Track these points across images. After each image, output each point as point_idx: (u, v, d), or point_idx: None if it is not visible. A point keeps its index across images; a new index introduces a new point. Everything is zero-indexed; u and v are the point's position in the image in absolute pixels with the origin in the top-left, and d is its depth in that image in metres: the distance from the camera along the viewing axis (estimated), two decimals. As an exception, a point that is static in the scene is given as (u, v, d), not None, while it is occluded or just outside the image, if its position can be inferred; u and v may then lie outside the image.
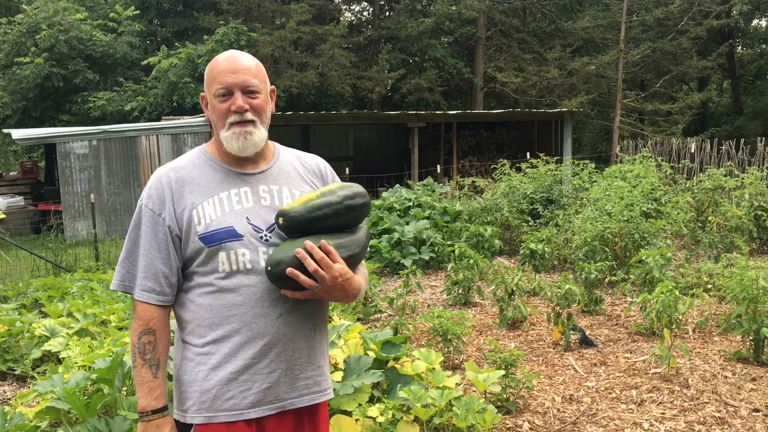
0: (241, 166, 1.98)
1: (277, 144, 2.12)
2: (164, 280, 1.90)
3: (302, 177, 2.06)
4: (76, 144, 14.33)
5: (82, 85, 20.57)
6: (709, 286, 6.53)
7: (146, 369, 1.88)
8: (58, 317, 5.81)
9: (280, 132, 17.26)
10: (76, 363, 4.31)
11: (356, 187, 1.99)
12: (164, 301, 1.92)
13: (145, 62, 21.09)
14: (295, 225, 1.87)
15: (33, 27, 19.95)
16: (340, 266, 1.82)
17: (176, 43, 21.56)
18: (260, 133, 1.94)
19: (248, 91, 1.92)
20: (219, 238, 1.87)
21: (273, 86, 2.07)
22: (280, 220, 1.87)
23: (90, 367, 4.05)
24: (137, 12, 22.16)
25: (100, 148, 14.52)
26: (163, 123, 16.47)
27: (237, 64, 1.92)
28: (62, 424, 3.34)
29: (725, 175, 9.81)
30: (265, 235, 1.91)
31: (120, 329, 5.28)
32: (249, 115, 1.91)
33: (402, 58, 23.47)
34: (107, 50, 21.03)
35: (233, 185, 1.95)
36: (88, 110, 20.27)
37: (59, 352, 4.81)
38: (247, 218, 1.90)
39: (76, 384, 3.40)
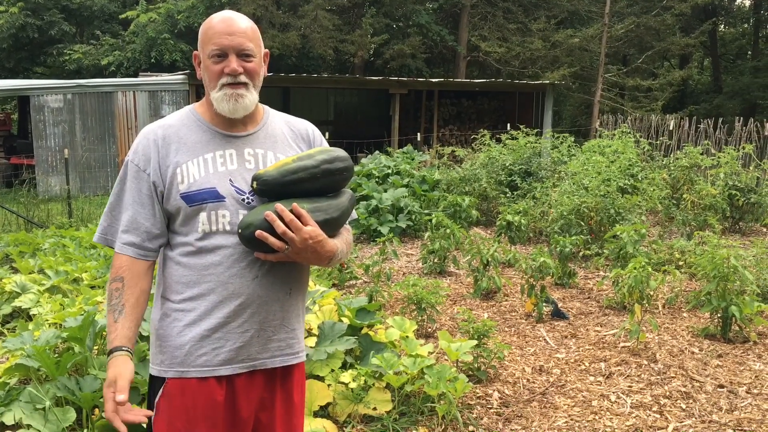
0: (230, 128, 1.98)
1: (267, 107, 2.11)
2: (146, 235, 1.92)
3: (289, 142, 2.06)
4: (51, 97, 14.04)
5: (57, 37, 20.10)
6: (681, 263, 6.62)
7: (110, 314, 1.91)
8: (29, 273, 5.75)
9: (260, 94, 17.03)
10: (46, 320, 4.27)
11: (337, 151, 1.98)
12: (142, 255, 1.93)
13: (123, 16, 20.63)
14: (269, 189, 1.87)
15: (7, -25, 19.42)
16: (311, 228, 1.82)
17: (156, -2, 21.11)
18: (251, 96, 1.94)
19: (243, 54, 1.91)
20: (201, 199, 1.87)
21: (267, 50, 2.06)
22: (254, 184, 1.88)
23: (61, 325, 4.01)
24: (116, -37, 21.63)
25: (75, 102, 14.25)
26: (140, 79, 16.17)
27: (233, 26, 1.91)
28: (32, 382, 3.31)
29: (702, 154, 9.89)
30: (248, 198, 1.91)
31: (92, 287, 5.24)
32: (242, 78, 1.91)
33: (386, 23, 23.21)
34: (84, 2, 20.54)
35: (219, 147, 1.95)
36: (64, 63, 19.85)
37: (30, 308, 4.76)
38: (230, 180, 1.91)
39: (46, 342, 3.37)
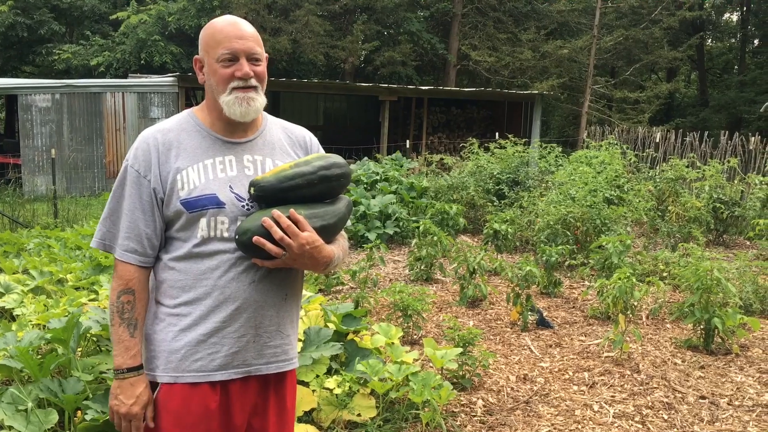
0: (230, 134, 1.98)
1: (265, 113, 2.11)
2: (146, 242, 1.91)
3: (287, 149, 2.06)
4: (39, 97, 13.95)
5: (47, 37, 19.99)
6: (665, 275, 6.68)
7: (123, 328, 1.89)
8: (13, 273, 5.70)
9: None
10: (30, 321, 4.24)
11: (334, 158, 1.99)
12: (145, 262, 1.92)
13: (113, 17, 20.55)
14: (267, 195, 1.88)
15: (-3, -27, 19.30)
16: (308, 234, 1.83)
17: (147, -1, 21.05)
18: (261, 99, 1.96)
19: (253, 59, 1.93)
20: (201, 205, 1.88)
21: (266, 53, 2.07)
22: (252, 190, 1.88)
23: (44, 327, 3.98)
24: (107, -36, 21.56)
25: (63, 102, 14.17)
26: (129, 80, 16.12)
27: (243, 30, 1.92)
28: (14, 383, 3.29)
29: (687, 167, 9.98)
30: (247, 205, 1.92)
31: (77, 289, 5.20)
32: (252, 81, 1.92)
33: (377, 30, 23.27)
34: (75, 2, 20.45)
35: (219, 153, 1.95)
36: (53, 63, 19.74)
37: (13, 309, 4.72)
38: (230, 186, 1.91)
39: (29, 343, 3.35)
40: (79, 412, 3.14)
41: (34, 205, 10.34)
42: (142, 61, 19.25)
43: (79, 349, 3.69)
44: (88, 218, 9.94)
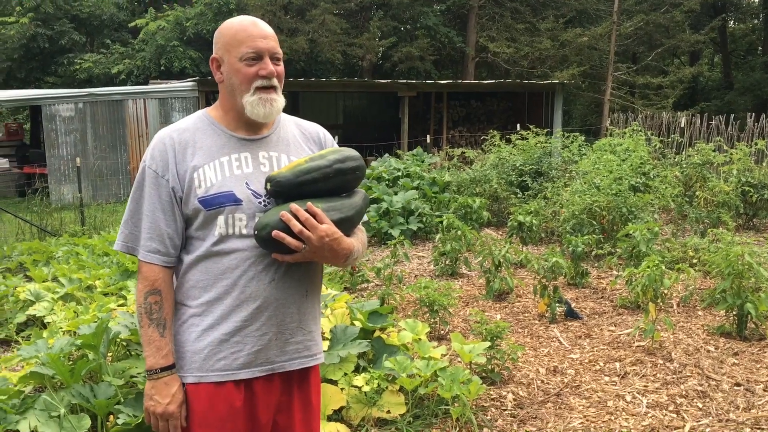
0: (244, 131, 1.99)
1: None
2: (169, 241, 1.92)
3: (301, 144, 2.07)
4: (62, 106, 14.13)
5: (68, 47, 20.25)
6: (695, 261, 6.57)
7: (153, 328, 1.89)
8: (43, 281, 5.78)
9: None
10: (60, 328, 4.29)
11: (348, 151, 1.99)
12: (168, 262, 1.93)
13: (132, 24, 20.75)
14: (283, 190, 1.88)
15: (18, -15, 19.57)
16: (327, 226, 1.83)
17: (164, 5, 21.20)
18: (281, 99, 1.97)
19: (275, 58, 1.94)
20: (218, 202, 1.88)
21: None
22: (268, 186, 1.89)
23: (75, 333, 4.03)
24: (124, -28, 21.76)
25: (86, 111, 14.34)
26: (150, 87, 16.26)
27: (265, 29, 1.94)
28: (46, 390, 3.33)
29: (714, 151, 9.82)
30: (264, 201, 1.92)
31: (106, 295, 5.26)
32: (274, 81, 1.93)
33: (393, 26, 23.20)
34: (94, 11, 20.68)
35: (234, 150, 1.95)
36: (74, 72, 19.97)
37: (44, 316, 4.79)
38: (246, 183, 1.91)
39: (60, 349, 3.38)
40: (111, 416, 3.16)
41: (62, 214, 10.47)
42: (162, 67, 19.41)
43: (110, 354, 3.73)
44: (115, 225, 10.05)
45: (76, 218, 10.47)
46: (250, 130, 1.99)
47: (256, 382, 1.94)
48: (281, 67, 1.96)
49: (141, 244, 1.92)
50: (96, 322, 3.67)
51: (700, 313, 5.51)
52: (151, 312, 1.90)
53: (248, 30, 1.91)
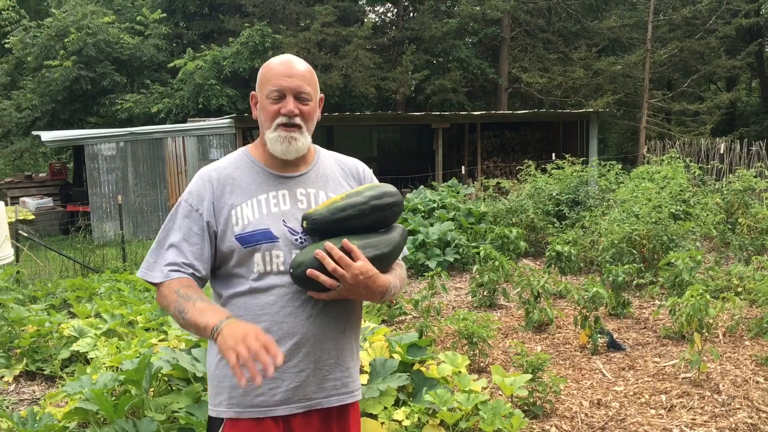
0: (282, 168, 2.01)
1: (318, 147, 2.15)
2: (189, 269, 1.92)
3: (340, 180, 2.08)
4: (104, 146, 14.50)
5: (109, 88, 20.80)
6: (740, 290, 6.42)
7: (199, 302, 1.83)
8: (86, 318, 5.88)
9: (304, 133, 17.27)
10: (103, 364, 4.35)
11: (386, 187, 1.99)
12: (189, 273, 1.92)
13: (171, 64, 21.26)
14: (319, 227, 1.89)
15: (62, 30, 20.18)
16: (362, 263, 1.82)
17: (202, 46, 21.70)
18: (304, 139, 1.98)
19: (300, 97, 1.96)
20: (255, 240, 1.90)
21: (322, 94, 2.10)
22: (304, 224, 1.91)
23: (117, 368, 4.08)
24: (163, 15, 22.34)
25: (127, 149, 14.68)
26: (188, 125, 16.59)
27: (292, 68, 1.96)
28: (90, 425, 3.37)
29: (755, 176, 9.63)
30: (301, 238, 1.93)
31: (147, 330, 5.32)
32: (297, 120, 1.95)
33: (426, 59, 23.39)
34: (134, 53, 21.25)
35: (272, 188, 1.98)
36: (116, 112, 20.49)
37: (87, 352, 4.86)
38: (283, 221, 1.94)
39: (104, 385, 3.43)
40: (154, 451, 3.18)
41: (104, 250, 10.69)
42: (200, 105, 19.82)
43: (152, 389, 3.76)
44: (155, 260, 10.17)
45: (117, 254, 10.67)
46: (288, 167, 2.01)
47: (293, 418, 1.93)
48: (308, 107, 1.97)
49: (161, 268, 1.91)
50: (138, 357, 3.72)
51: (747, 343, 5.36)
52: (188, 297, 1.84)
53: (276, 69, 1.96)
